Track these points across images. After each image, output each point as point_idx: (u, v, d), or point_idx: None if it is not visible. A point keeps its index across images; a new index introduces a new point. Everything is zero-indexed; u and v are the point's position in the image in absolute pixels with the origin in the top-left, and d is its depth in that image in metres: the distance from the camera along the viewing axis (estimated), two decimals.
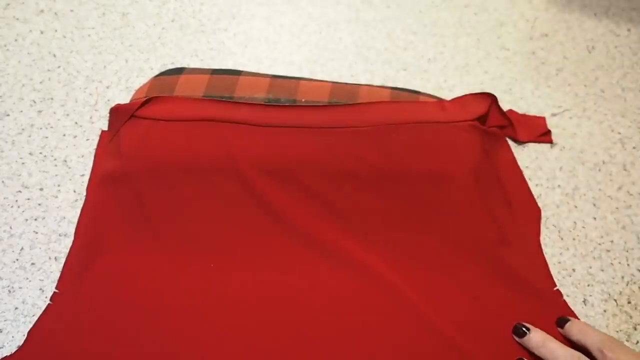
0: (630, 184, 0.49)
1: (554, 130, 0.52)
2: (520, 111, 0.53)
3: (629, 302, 0.43)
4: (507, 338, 0.40)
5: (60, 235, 0.45)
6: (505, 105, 0.54)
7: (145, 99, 0.45)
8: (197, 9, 0.58)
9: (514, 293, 0.42)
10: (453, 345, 0.39)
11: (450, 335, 0.40)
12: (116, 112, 0.47)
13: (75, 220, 0.45)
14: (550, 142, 0.50)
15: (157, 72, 0.52)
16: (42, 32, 0.55)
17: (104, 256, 0.43)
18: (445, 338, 0.39)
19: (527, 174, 0.49)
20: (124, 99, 0.51)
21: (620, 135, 0.52)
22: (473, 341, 0.39)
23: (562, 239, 0.46)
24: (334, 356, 0.40)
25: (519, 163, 0.49)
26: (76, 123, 0.50)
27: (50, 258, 0.44)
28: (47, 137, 0.49)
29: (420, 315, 0.40)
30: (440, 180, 0.43)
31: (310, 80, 0.49)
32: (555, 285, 0.43)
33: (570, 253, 0.45)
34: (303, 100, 0.46)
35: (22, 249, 0.44)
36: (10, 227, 0.45)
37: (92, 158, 0.48)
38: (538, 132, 0.50)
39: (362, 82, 0.54)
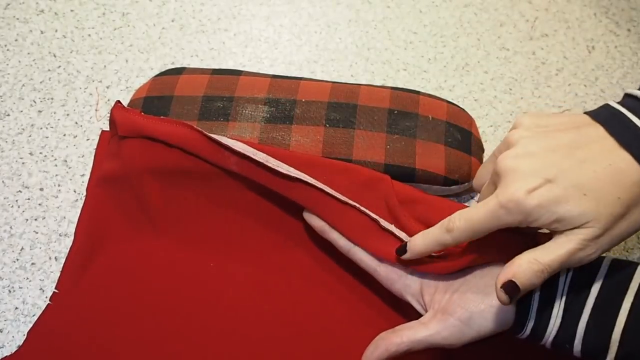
0: None
1: None
2: (520, 111, 0.53)
3: None
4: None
5: (60, 235, 0.45)
6: (505, 106, 0.54)
7: (147, 117, 0.44)
8: (197, 9, 0.58)
9: None
10: None
11: None
12: (117, 114, 0.47)
13: (75, 220, 0.45)
14: None
15: (157, 72, 0.52)
16: (42, 32, 0.55)
17: (104, 256, 0.43)
18: None
19: None
20: (124, 99, 0.51)
21: None
22: None
23: None
24: (334, 354, 0.40)
25: None
26: (76, 123, 0.50)
27: (50, 258, 0.44)
28: (47, 137, 0.49)
29: None
30: None
31: (311, 80, 0.49)
32: None
33: None
34: (303, 100, 0.46)
35: (22, 248, 0.44)
36: (11, 227, 0.45)
37: (92, 158, 0.48)
38: None
39: (362, 82, 0.54)
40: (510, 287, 0.31)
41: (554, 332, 0.33)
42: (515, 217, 0.31)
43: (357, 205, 0.39)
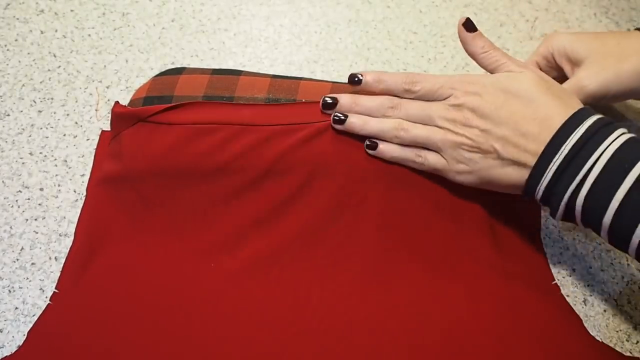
0: None
1: None
2: None
3: (629, 302, 0.43)
4: (506, 330, 0.40)
5: (60, 235, 0.45)
6: None
7: (152, 109, 0.45)
8: (197, 9, 0.58)
9: (511, 286, 0.42)
10: (454, 344, 0.39)
11: (447, 329, 0.40)
12: (118, 115, 0.47)
13: (75, 220, 0.45)
14: None
15: (157, 72, 0.52)
16: (42, 32, 0.55)
17: (104, 256, 0.43)
18: (445, 335, 0.40)
19: None
20: (124, 99, 0.51)
21: None
22: (473, 335, 0.39)
23: (562, 238, 0.46)
24: (334, 355, 0.40)
25: None
26: (76, 123, 0.50)
27: (50, 258, 0.44)
28: (47, 137, 0.49)
29: (418, 313, 0.41)
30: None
31: (311, 80, 0.49)
32: (554, 280, 0.43)
33: (570, 253, 0.45)
34: (303, 100, 0.46)
35: (22, 249, 0.44)
36: (11, 227, 0.45)
37: (92, 158, 0.48)
38: None
39: None
40: None
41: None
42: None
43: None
